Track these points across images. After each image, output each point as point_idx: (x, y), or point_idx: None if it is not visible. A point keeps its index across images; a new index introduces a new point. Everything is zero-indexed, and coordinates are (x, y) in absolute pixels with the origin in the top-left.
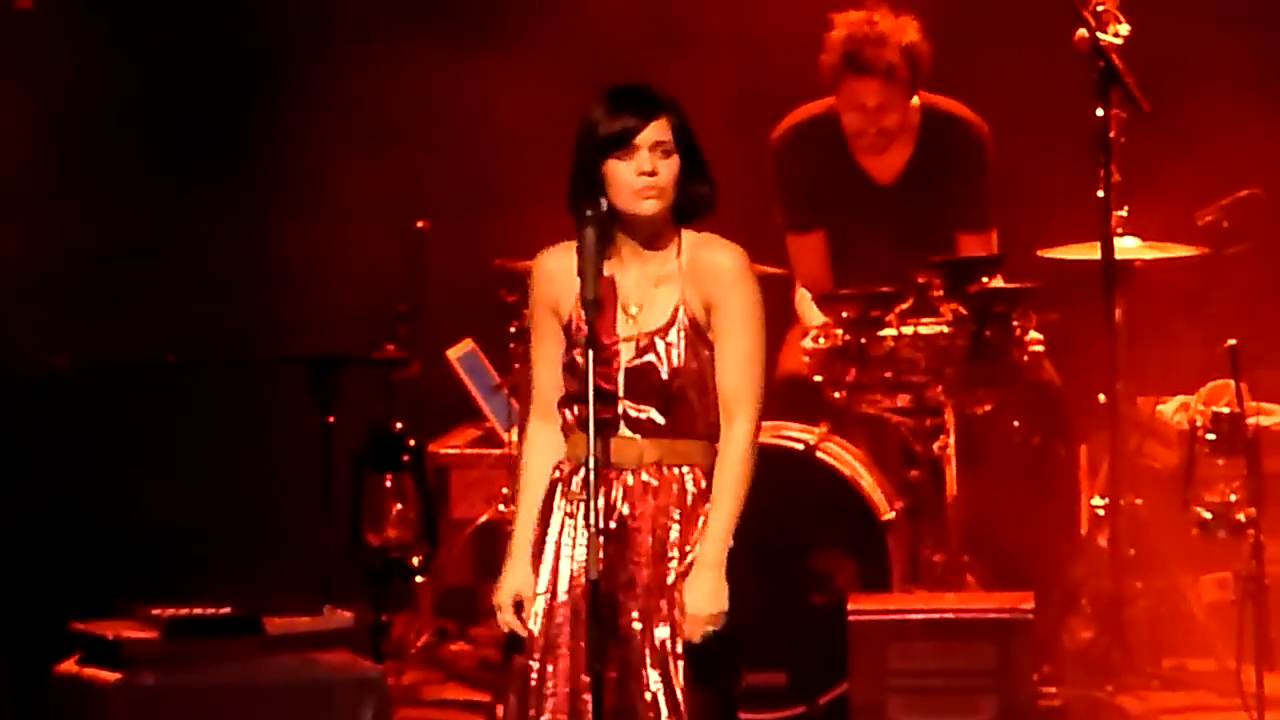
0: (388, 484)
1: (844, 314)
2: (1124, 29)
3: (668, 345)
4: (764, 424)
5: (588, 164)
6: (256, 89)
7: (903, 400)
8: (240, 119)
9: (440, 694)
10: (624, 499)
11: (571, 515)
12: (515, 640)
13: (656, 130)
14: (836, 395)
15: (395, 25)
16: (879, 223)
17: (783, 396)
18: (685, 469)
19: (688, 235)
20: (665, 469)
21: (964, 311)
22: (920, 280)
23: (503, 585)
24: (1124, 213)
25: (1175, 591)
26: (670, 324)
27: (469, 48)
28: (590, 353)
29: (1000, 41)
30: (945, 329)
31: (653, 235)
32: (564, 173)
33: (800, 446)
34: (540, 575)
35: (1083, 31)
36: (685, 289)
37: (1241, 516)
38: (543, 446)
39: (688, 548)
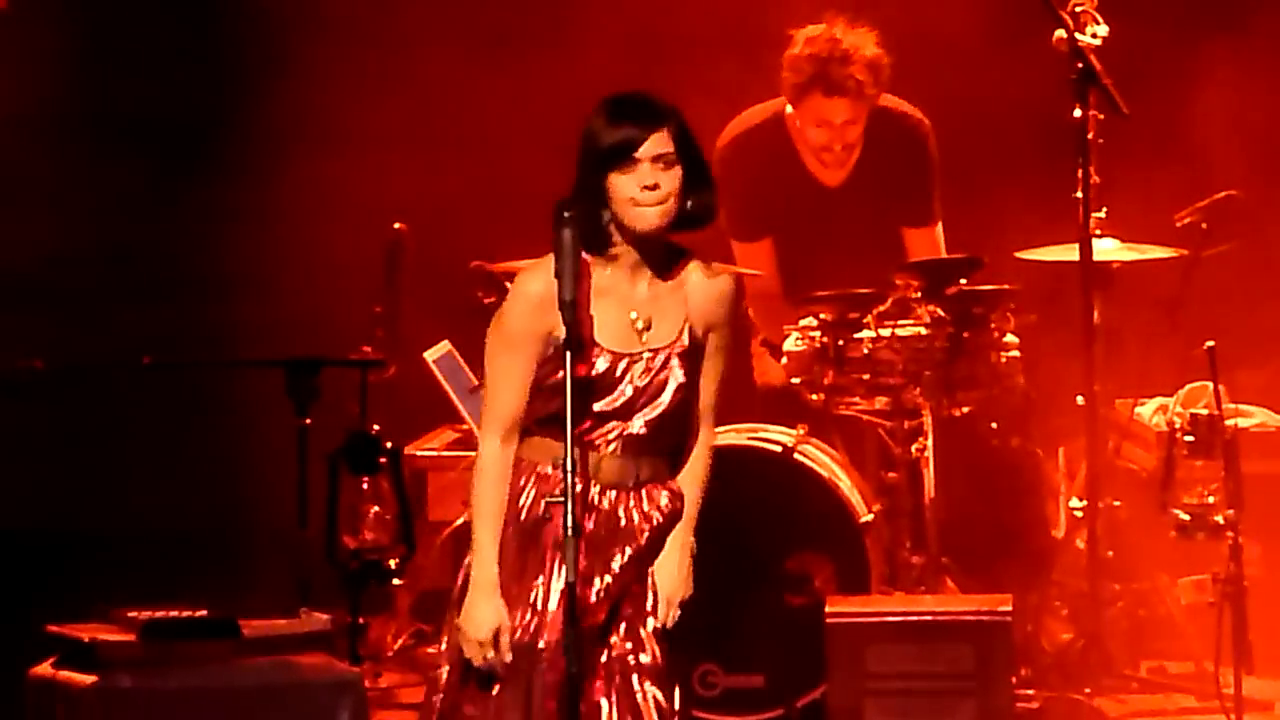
0: (364, 486)
1: (822, 316)
2: (1102, 30)
3: (680, 364)
4: (742, 426)
5: (591, 177)
6: (234, 90)
7: (881, 402)
8: (217, 120)
9: (417, 696)
10: (615, 511)
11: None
12: (491, 675)
13: (657, 143)
14: (814, 397)
15: (372, 28)
16: (828, 226)
17: (761, 402)
18: (667, 486)
19: (689, 256)
20: (650, 488)
21: (942, 313)
22: (898, 282)
23: (483, 620)
24: (1102, 214)
25: (1154, 594)
26: (676, 341)
27: (447, 50)
28: (568, 355)
29: (978, 42)
30: (923, 331)
31: (655, 248)
32: (542, 175)
33: (778, 448)
34: (526, 607)
35: (1061, 33)
36: (690, 310)
37: (1220, 518)
38: (505, 470)
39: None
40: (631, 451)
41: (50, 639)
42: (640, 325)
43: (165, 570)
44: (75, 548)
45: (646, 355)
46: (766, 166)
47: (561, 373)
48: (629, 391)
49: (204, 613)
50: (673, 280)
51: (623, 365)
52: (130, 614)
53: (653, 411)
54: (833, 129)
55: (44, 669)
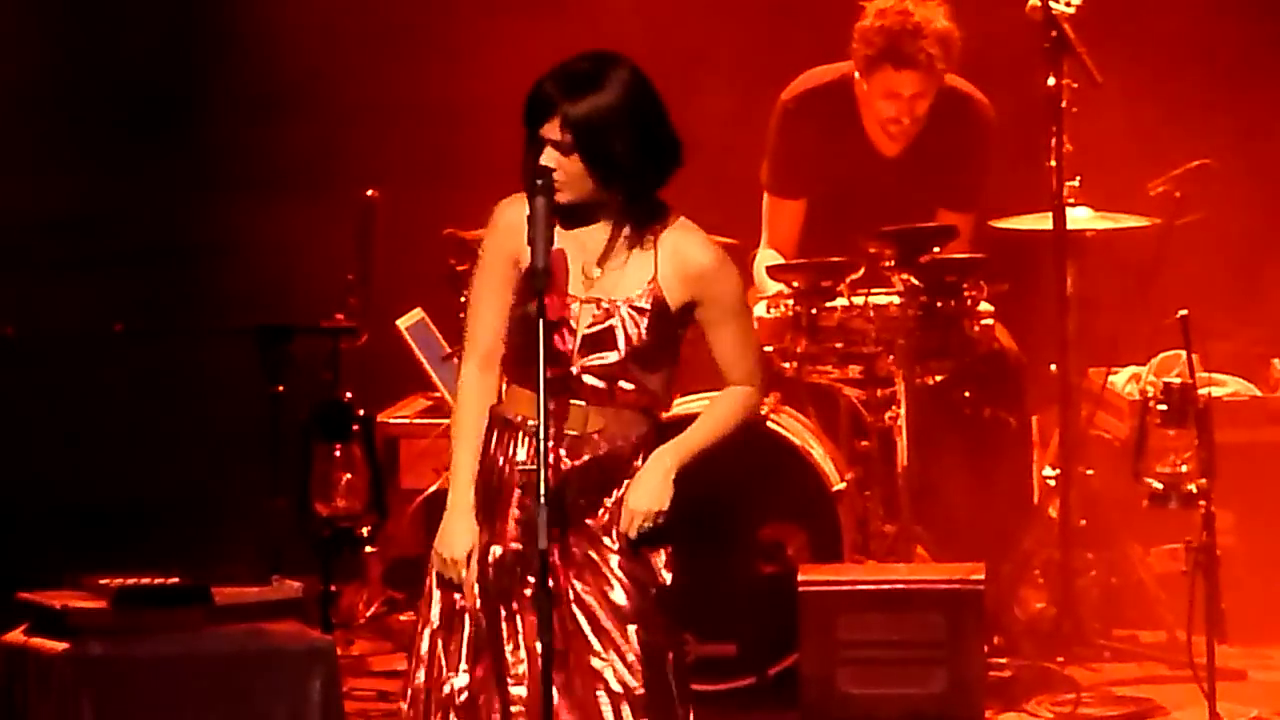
0: (336, 454)
1: (794, 284)
2: None
3: (632, 316)
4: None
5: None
6: (205, 57)
7: (854, 371)
8: (188, 87)
9: (389, 664)
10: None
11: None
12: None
13: (549, 129)
14: (787, 365)
15: None
16: (874, 196)
17: None
18: (624, 440)
19: (667, 216)
20: (609, 439)
21: (915, 282)
22: (871, 250)
23: (456, 539)
24: (1076, 182)
25: (1126, 562)
26: (638, 297)
27: (418, 17)
28: (540, 321)
29: (951, 10)
30: (896, 299)
31: (601, 209)
32: (516, 142)
33: None
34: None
35: (1035, 1)
36: (661, 271)
37: (1193, 488)
38: (482, 395)
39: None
40: (582, 397)
41: (21, 606)
42: (594, 274)
43: (137, 537)
44: (46, 515)
45: (596, 302)
46: (827, 128)
47: (520, 309)
48: (577, 340)
49: (175, 580)
50: (640, 236)
51: (567, 316)
52: (102, 581)
53: (599, 360)
54: (901, 102)
55: (15, 636)
